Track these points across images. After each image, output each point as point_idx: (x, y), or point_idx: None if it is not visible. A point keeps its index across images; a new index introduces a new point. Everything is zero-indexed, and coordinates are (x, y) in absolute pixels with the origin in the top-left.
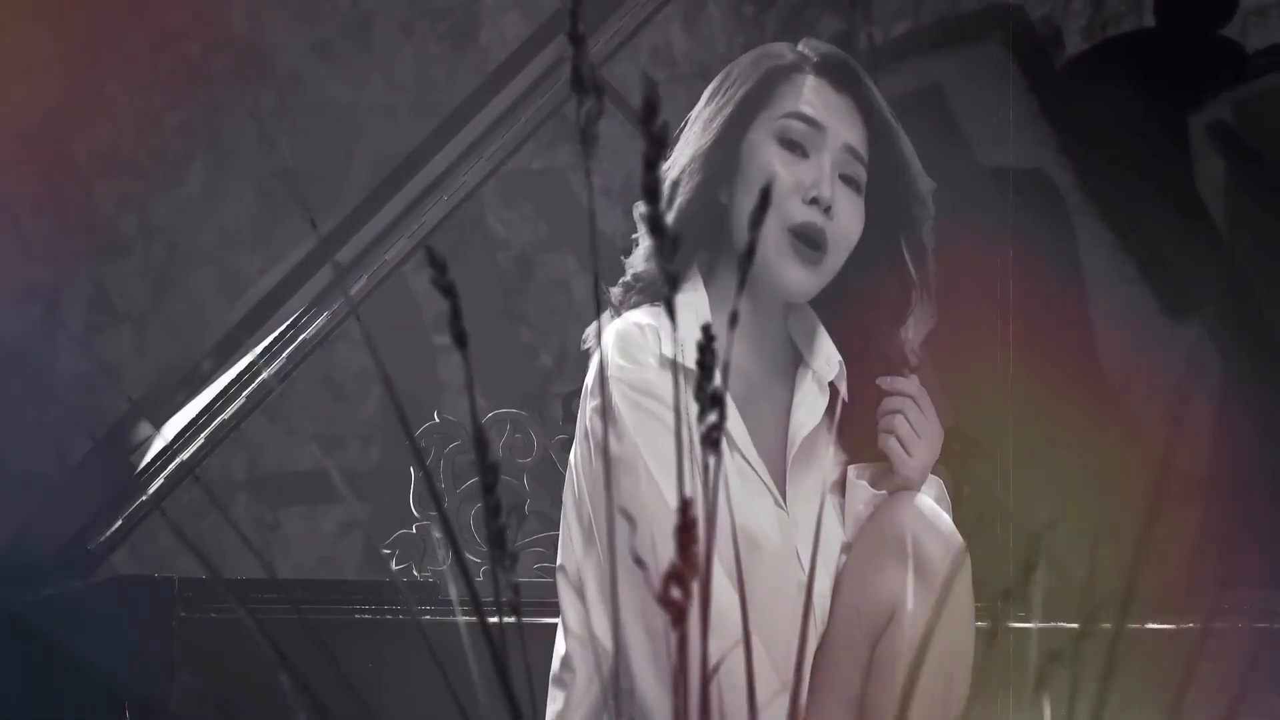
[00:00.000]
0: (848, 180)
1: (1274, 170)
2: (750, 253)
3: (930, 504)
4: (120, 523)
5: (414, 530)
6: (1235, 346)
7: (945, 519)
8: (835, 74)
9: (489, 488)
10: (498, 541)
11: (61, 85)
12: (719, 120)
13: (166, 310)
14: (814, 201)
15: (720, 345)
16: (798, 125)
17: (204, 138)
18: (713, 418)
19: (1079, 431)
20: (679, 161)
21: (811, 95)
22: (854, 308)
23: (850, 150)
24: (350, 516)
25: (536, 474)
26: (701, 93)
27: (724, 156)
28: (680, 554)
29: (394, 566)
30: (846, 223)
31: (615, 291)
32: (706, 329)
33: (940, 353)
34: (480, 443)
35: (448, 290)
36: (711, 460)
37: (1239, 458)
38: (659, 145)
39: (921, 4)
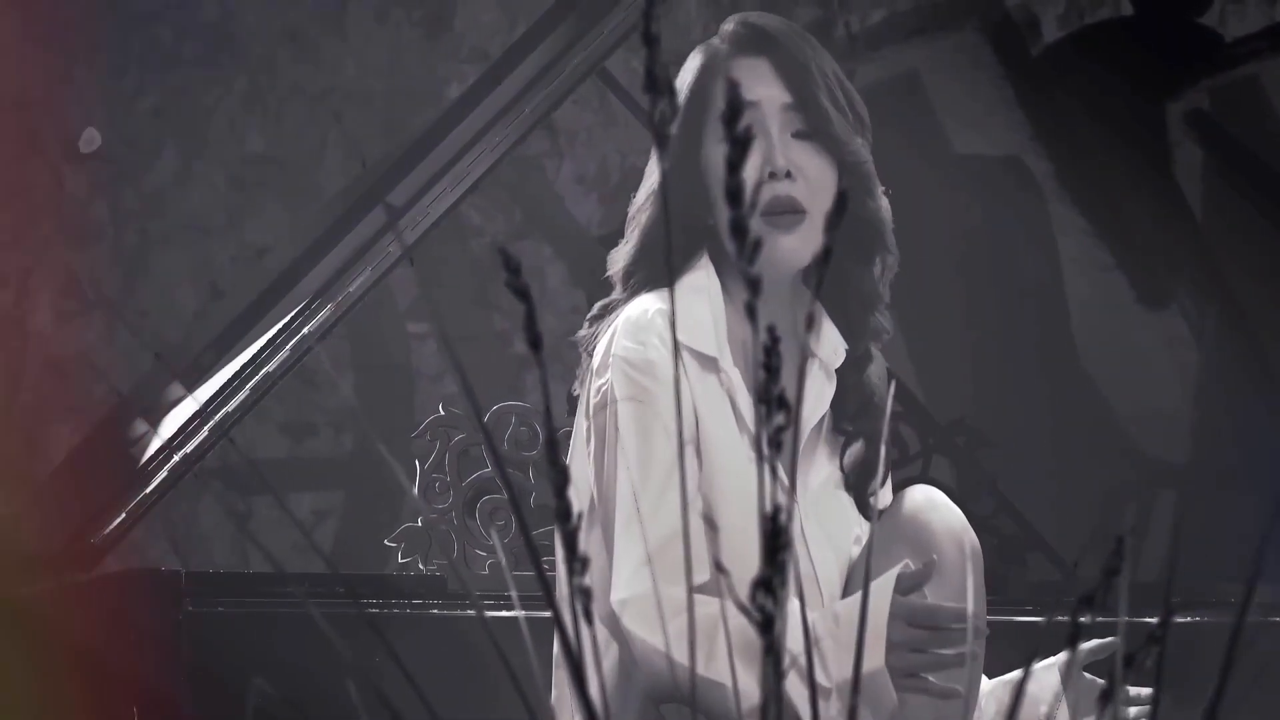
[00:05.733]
0: (802, 135)
1: (1251, 158)
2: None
3: (943, 497)
4: (124, 515)
5: (419, 523)
6: (1211, 335)
7: (958, 512)
8: (747, 45)
9: (560, 491)
10: (570, 545)
11: (31, 70)
12: (675, 142)
13: (138, 297)
14: (771, 175)
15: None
16: None
17: (175, 123)
18: (779, 420)
19: (1053, 418)
20: (648, 183)
21: (737, 77)
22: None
23: (789, 108)
24: (324, 505)
25: (542, 467)
26: (672, 80)
27: (688, 180)
28: (768, 561)
29: (400, 560)
30: (814, 175)
31: (581, 334)
32: (771, 330)
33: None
34: (552, 445)
35: (523, 294)
36: (781, 464)
37: (1215, 446)
38: (742, 148)
39: None
